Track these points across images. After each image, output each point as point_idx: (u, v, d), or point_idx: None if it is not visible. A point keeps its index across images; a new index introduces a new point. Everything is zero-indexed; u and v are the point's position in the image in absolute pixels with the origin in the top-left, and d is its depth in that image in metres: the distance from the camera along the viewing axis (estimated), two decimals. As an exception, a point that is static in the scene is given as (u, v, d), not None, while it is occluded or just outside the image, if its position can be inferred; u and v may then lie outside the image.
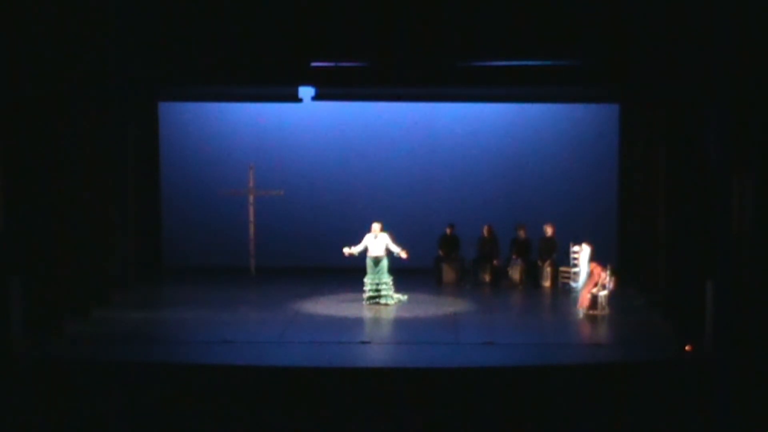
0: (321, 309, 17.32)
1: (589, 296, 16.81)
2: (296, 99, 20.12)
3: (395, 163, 21.38)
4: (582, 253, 18.51)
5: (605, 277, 16.82)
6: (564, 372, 13.25)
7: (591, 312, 16.72)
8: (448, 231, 20.11)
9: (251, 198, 20.75)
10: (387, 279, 17.64)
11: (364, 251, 17.65)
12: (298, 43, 15.80)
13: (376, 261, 17.56)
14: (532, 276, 19.77)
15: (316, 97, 20.00)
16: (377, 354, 14.32)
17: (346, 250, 17.57)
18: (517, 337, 15.33)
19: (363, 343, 14.78)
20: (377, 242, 17.56)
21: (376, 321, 16.75)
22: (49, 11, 14.68)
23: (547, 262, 19.66)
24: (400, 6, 15.19)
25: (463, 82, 18.09)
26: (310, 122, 21.28)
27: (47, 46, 14.78)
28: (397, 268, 18.17)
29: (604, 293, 16.82)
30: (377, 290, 17.54)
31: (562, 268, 19.59)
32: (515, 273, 19.79)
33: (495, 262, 19.96)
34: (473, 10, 15.17)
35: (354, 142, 21.39)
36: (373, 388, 12.79)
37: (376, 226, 17.66)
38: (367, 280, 17.66)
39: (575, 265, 19.00)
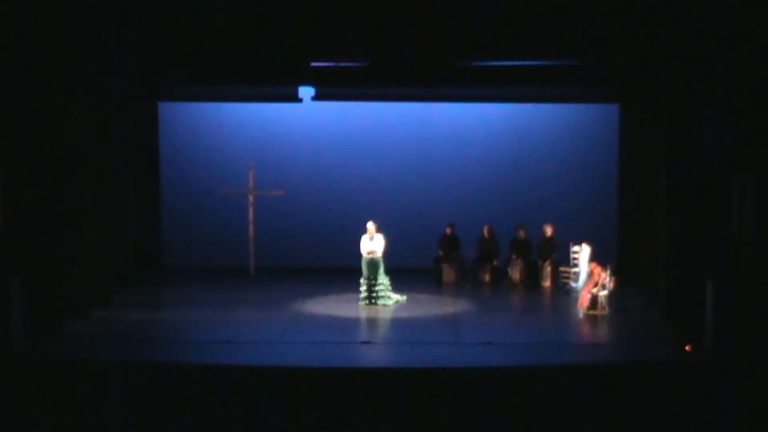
0: (321, 309, 17.32)
1: (589, 296, 16.81)
2: (296, 99, 20.14)
3: (395, 162, 21.38)
4: (582, 253, 18.51)
5: (605, 277, 16.82)
6: (564, 372, 13.24)
7: (591, 312, 16.72)
8: (448, 231, 20.11)
9: (251, 198, 20.75)
10: (383, 280, 17.58)
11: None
12: (298, 43, 15.80)
13: (372, 262, 17.51)
14: (532, 276, 19.77)
15: (316, 97, 20.01)
16: (377, 354, 14.32)
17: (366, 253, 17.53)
18: (517, 337, 15.32)
19: (363, 343, 14.78)
20: (373, 243, 17.52)
21: (376, 321, 16.74)
22: (49, 11, 14.68)
23: (547, 262, 19.67)
24: (400, 6, 15.19)
25: (463, 82, 18.09)
26: (310, 122, 21.28)
27: (47, 47, 14.78)
28: (396, 268, 18.18)
29: (604, 293, 16.82)
30: (373, 292, 17.49)
31: (562, 268, 19.58)
32: (515, 273, 19.79)
33: (495, 262, 19.97)
34: (473, 10, 15.17)
35: (354, 142, 21.40)
36: (373, 388, 12.78)
37: (371, 227, 17.60)
38: (363, 281, 17.62)
39: (575, 265, 19.00)
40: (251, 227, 20.82)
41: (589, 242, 18.48)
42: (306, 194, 21.25)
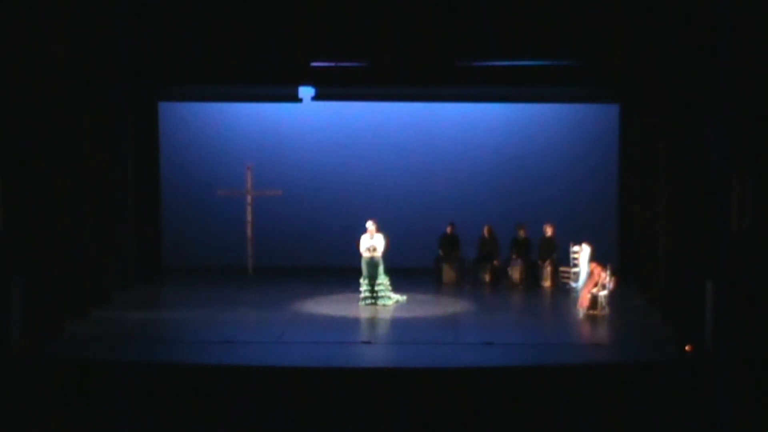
0: (321, 309, 17.31)
1: (589, 296, 16.81)
2: (296, 99, 20.13)
3: (395, 163, 21.37)
4: (582, 253, 18.51)
5: (605, 277, 16.82)
6: (564, 372, 13.24)
7: (591, 312, 16.72)
8: (448, 231, 20.10)
9: (249, 198, 20.74)
10: (383, 280, 17.55)
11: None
12: (298, 43, 15.81)
13: (372, 261, 17.49)
14: (532, 276, 19.77)
15: (316, 97, 20.01)
16: (377, 354, 14.31)
17: (365, 252, 17.49)
18: (517, 337, 15.32)
19: (363, 343, 14.78)
20: (372, 242, 17.48)
21: (376, 321, 16.74)
22: (49, 11, 14.68)
23: (547, 262, 19.67)
24: (400, 6, 15.20)
25: (463, 82, 18.10)
26: (310, 122, 21.28)
27: (48, 46, 14.77)
28: (396, 268, 18.17)
29: (604, 293, 16.81)
30: (374, 292, 17.47)
31: (562, 268, 19.59)
32: (515, 273, 19.79)
33: (495, 262, 19.97)
34: (473, 10, 15.17)
35: (354, 142, 21.39)
36: (373, 388, 12.78)
37: (371, 227, 17.56)
38: (362, 281, 17.59)
39: (575, 265, 19.00)
40: (249, 227, 20.81)
41: (589, 242, 18.48)
42: (305, 194, 21.25)
